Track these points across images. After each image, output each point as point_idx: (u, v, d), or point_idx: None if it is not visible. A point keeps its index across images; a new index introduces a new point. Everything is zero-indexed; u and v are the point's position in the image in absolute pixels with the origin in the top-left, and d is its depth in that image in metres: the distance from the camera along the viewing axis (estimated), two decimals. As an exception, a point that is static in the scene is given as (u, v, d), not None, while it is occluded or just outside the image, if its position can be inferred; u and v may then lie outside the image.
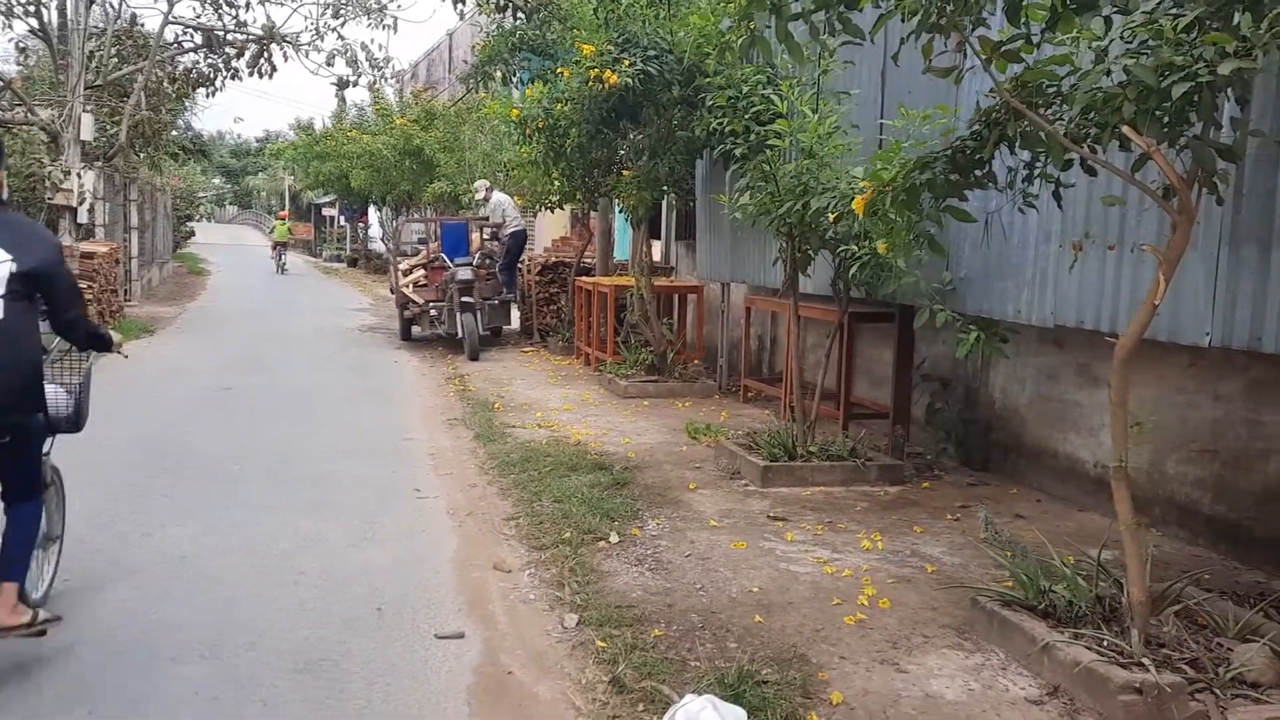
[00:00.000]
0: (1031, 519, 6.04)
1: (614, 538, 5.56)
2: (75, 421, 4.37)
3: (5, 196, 4.03)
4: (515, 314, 15.91)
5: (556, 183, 12.02)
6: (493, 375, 12.02)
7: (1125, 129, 3.54)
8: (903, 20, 4.04)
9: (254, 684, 3.84)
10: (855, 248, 6.32)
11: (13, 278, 3.75)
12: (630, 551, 5.37)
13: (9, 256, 3.76)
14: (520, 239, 15.11)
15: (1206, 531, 5.56)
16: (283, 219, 40.26)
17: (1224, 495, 5.47)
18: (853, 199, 4.97)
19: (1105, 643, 3.80)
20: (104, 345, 4.37)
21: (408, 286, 15.11)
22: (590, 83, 8.92)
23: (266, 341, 14.16)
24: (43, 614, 4.01)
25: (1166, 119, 3.50)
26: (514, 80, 13.61)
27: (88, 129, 15.29)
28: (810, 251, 6.99)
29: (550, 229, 21.48)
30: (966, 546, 5.50)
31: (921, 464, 7.38)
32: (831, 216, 5.79)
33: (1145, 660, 3.64)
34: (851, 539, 5.64)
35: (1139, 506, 5.63)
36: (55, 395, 4.22)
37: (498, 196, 15.34)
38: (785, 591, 4.80)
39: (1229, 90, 3.37)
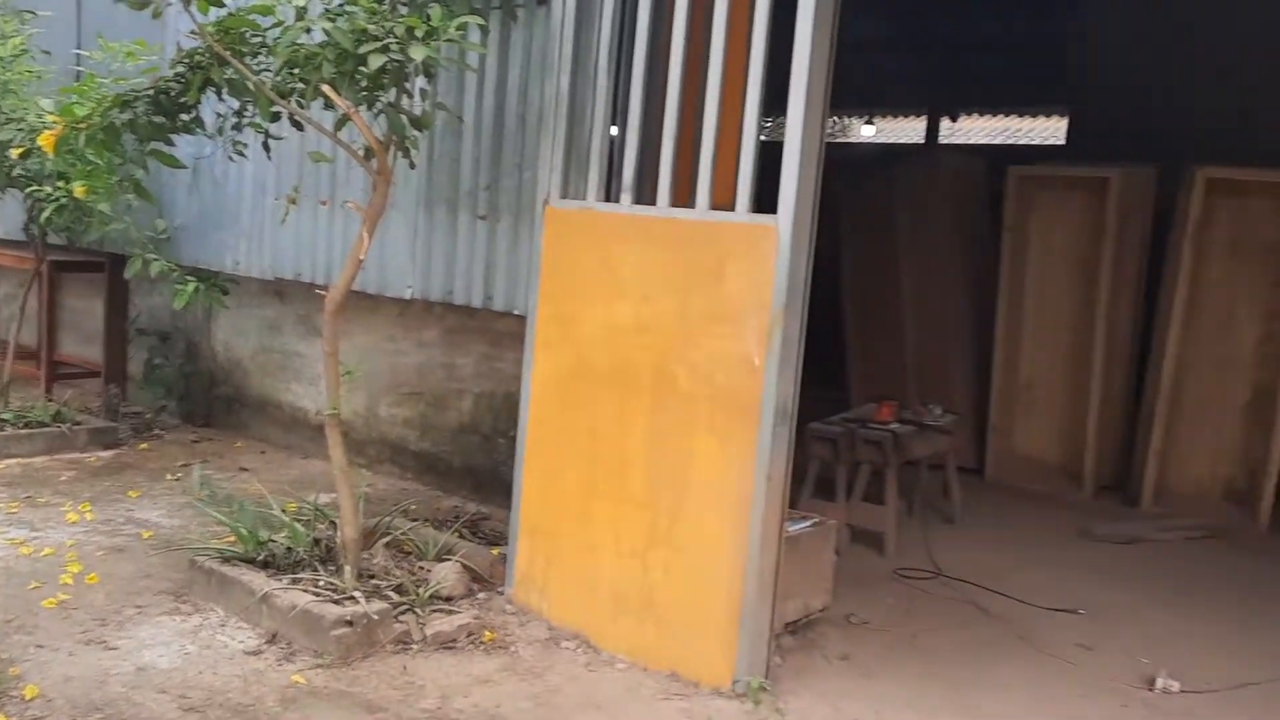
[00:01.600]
0: (256, 470, 6.07)
1: None
2: None
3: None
4: None
5: None
6: None
7: (325, 89, 3.66)
8: (93, -61, 3.67)
9: None
10: (50, 189, 5.64)
11: None
12: None
13: None
14: None
15: (415, 466, 6.14)
16: None
17: (428, 432, 6.08)
18: (41, 134, 4.46)
19: (322, 583, 3.97)
20: None
21: None
22: None
23: None
24: None
25: (364, 83, 3.71)
26: None
27: None
28: (-5, 190, 6.05)
29: None
30: (188, 507, 5.32)
31: (140, 424, 6.94)
32: (15, 152, 5.10)
33: (356, 593, 3.89)
34: (55, 513, 5.09)
35: (357, 449, 6.02)
36: None
37: None
38: (-32, 584, 4.15)
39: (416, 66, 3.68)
